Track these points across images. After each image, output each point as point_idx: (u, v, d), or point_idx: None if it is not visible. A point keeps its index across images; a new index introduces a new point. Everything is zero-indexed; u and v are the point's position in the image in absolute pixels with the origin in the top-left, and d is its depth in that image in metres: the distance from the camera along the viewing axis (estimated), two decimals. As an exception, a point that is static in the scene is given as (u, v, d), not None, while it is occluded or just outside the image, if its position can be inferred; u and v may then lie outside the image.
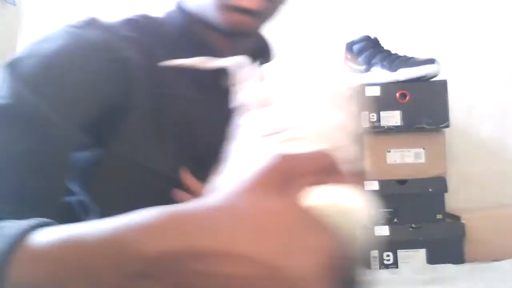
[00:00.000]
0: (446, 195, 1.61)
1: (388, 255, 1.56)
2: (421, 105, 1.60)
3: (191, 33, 0.71)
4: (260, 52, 0.76)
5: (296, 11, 2.04)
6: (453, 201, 1.75)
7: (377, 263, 1.56)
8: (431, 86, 1.61)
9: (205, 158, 0.63)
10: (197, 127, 0.67)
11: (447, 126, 1.60)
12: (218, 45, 0.71)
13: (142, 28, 0.70)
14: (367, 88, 1.62)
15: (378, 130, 1.60)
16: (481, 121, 1.95)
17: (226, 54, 0.70)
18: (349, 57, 1.74)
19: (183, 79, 0.68)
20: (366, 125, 1.60)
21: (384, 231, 1.56)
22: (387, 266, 1.55)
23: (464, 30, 1.98)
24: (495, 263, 1.50)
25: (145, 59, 0.66)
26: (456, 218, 1.63)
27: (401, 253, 1.56)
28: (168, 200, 0.58)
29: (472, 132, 1.95)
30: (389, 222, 1.58)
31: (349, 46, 1.75)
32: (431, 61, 1.58)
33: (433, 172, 1.61)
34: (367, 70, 1.67)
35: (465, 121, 1.93)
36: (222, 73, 0.67)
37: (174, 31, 0.72)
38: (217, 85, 0.68)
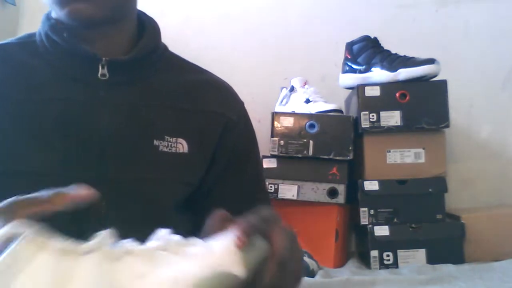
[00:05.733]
0: (446, 195, 1.61)
1: (388, 255, 1.56)
2: (421, 105, 1.60)
3: (52, 38, 0.73)
4: (142, 38, 0.77)
5: (296, 10, 2.05)
6: (453, 201, 1.75)
7: (377, 263, 1.56)
8: (431, 86, 1.61)
9: (96, 149, 0.69)
10: (79, 123, 0.70)
11: (447, 126, 1.60)
12: (87, 39, 0.73)
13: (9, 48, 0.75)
14: (367, 88, 1.62)
15: (378, 130, 1.60)
16: (481, 121, 1.95)
17: (97, 47, 0.73)
18: (349, 57, 1.74)
19: (56, 80, 0.71)
20: (366, 125, 1.60)
21: (384, 231, 1.57)
22: (387, 266, 1.55)
23: (464, 29, 1.98)
24: (495, 263, 1.50)
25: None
26: (456, 218, 1.63)
27: (401, 253, 1.56)
28: None
29: (472, 132, 1.95)
30: (389, 222, 1.58)
31: (349, 46, 1.74)
32: (431, 61, 1.58)
33: (433, 172, 1.61)
34: (367, 70, 1.67)
35: (465, 121, 1.93)
36: (91, 64, 0.71)
37: (40, 41, 0.75)
38: (88, 77, 0.71)
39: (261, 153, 1.62)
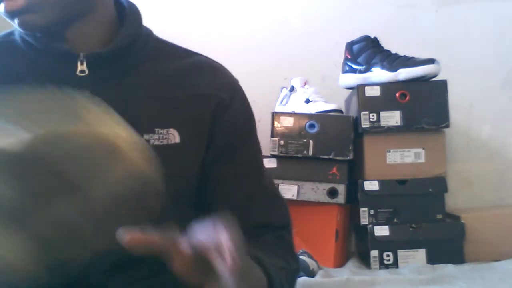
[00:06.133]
0: (446, 195, 1.61)
1: (388, 255, 1.56)
2: (421, 105, 1.60)
3: (26, 39, 0.71)
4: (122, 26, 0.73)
5: (297, 11, 2.05)
6: (453, 201, 1.75)
7: (377, 263, 1.56)
8: (431, 86, 1.61)
9: None
10: None
11: (447, 126, 1.60)
12: (61, 36, 0.70)
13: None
14: (367, 88, 1.62)
15: (378, 130, 1.60)
16: (481, 121, 1.95)
17: (74, 43, 0.70)
18: (349, 57, 1.74)
19: (38, 82, 0.68)
20: (366, 125, 1.60)
21: (384, 231, 1.56)
22: (387, 266, 1.55)
23: (464, 29, 1.98)
24: (495, 263, 1.50)
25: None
26: (456, 218, 1.63)
27: (401, 253, 1.56)
28: None
29: (472, 132, 1.95)
30: (389, 222, 1.58)
31: (349, 46, 1.74)
32: (431, 61, 1.58)
33: (433, 172, 1.61)
34: (367, 70, 1.67)
35: (465, 121, 1.93)
36: (69, 61, 0.68)
37: (19, 42, 0.72)
38: (69, 76, 0.69)
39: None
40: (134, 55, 0.73)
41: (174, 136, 0.71)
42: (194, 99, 0.74)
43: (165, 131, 0.71)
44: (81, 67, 0.69)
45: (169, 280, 0.68)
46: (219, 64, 0.80)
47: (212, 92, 0.75)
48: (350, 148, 1.60)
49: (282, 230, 0.77)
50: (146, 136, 0.70)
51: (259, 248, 0.67)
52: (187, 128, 0.72)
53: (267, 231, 0.74)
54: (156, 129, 0.70)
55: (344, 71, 1.75)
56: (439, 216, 1.59)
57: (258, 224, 0.74)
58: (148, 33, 0.78)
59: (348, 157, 1.60)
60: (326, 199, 1.60)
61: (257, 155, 0.82)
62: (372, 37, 1.71)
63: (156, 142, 0.70)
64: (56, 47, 0.69)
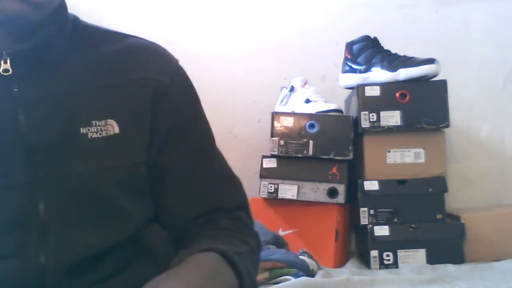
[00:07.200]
0: (446, 195, 1.61)
1: (388, 255, 1.56)
2: (421, 105, 1.60)
3: None
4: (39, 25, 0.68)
5: (296, 10, 2.05)
6: (453, 201, 1.75)
7: (377, 263, 1.56)
8: (431, 86, 1.61)
9: (21, 151, 0.65)
10: None
11: (447, 126, 1.60)
12: None
13: None
14: (367, 88, 1.62)
15: (378, 130, 1.60)
16: (481, 121, 1.95)
17: None
18: (349, 57, 1.74)
19: None
20: (366, 125, 1.60)
21: (384, 231, 1.57)
22: (387, 266, 1.55)
23: (464, 29, 1.98)
24: (495, 263, 1.50)
25: None
26: (456, 218, 1.63)
27: (401, 253, 1.56)
28: None
29: (472, 132, 1.95)
30: (389, 222, 1.58)
31: (349, 46, 1.74)
32: (431, 61, 1.58)
33: (433, 172, 1.61)
34: (367, 70, 1.67)
35: (465, 121, 1.93)
36: None
37: None
38: None
39: (261, 153, 1.65)
40: (61, 45, 0.70)
41: (113, 127, 0.68)
42: (130, 85, 0.70)
43: (103, 122, 0.67)
44: (5, 65, 0.66)
45: (129, 281, 0.68)
46: (156, 45, 0.77)
47: (149, 76, 0.72)
48: (350, 148, 1.60)
49: (238, 211, 0.75)
50: (83, 130, 0.66)
51: (221, 239, 0.67)
52: (127, 116, 0.69)
53: (223, 215, 0.72)
54: (93, 121, 0.67)
55: (344, 71, 1.75)
56: (439, 216, 1.59)
57: (212, 209, 0.72)
58: (75, 20, 0.74)
59: (348, 157, 1.60)
60: (326, 199, 1.60)
61: (206, 138, 0.77)
62: (372, 37, 1.71)
63: (94, 135, 0.67)
64: None
